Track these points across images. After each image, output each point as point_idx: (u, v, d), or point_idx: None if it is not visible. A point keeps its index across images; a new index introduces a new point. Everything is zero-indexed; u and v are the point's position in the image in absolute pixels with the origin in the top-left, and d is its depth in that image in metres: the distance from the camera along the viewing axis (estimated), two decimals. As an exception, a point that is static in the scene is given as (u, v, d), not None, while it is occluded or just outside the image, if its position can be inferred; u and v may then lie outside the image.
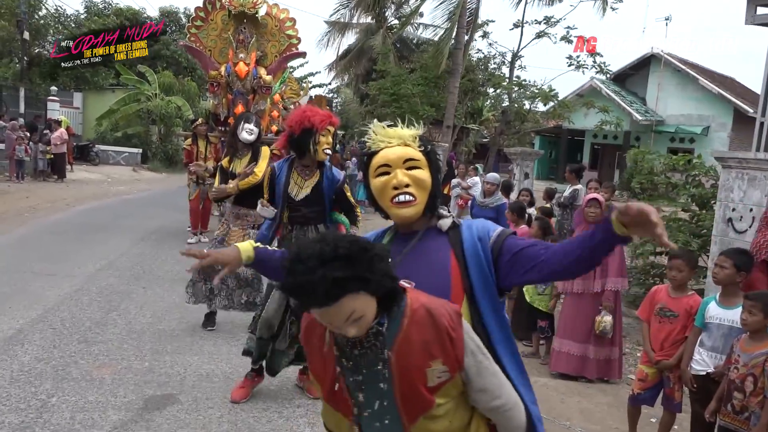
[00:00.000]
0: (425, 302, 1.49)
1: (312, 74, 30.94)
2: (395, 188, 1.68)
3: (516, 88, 17.31)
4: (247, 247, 1.92)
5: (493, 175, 7.39)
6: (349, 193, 4.21)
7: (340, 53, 26.37)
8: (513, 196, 8.32)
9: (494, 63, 21.04)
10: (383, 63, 19.64)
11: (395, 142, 1.74)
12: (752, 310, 3.23)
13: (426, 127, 18.71)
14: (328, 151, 3.91)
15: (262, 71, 9.16)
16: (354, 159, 15.45)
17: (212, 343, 4.95)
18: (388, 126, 1.81)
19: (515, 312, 5.90)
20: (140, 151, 23.55)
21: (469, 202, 9.11)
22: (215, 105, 9.25)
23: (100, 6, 28.49)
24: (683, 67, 24.42)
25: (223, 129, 9.05)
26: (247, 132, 5.11)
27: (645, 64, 25.83)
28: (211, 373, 4.35)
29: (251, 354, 3.98)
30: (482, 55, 19.44)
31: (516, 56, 17.30)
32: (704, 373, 3.55)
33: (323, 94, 23.77)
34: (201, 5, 9.35)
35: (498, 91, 20.93)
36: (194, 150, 9.34)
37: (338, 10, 22.43)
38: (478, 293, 1.64)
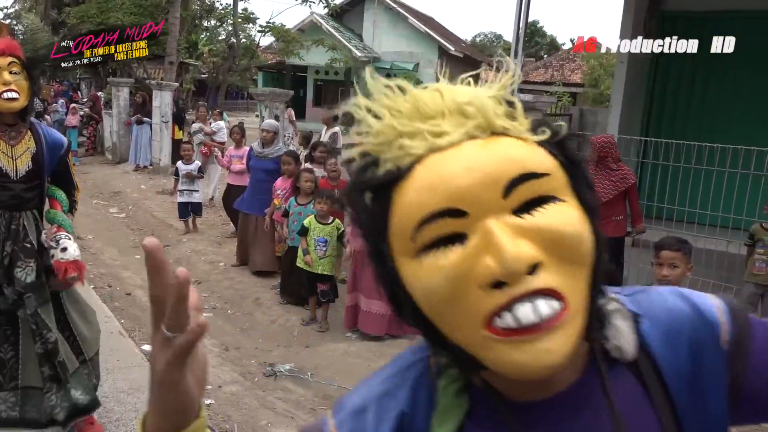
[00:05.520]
0: None
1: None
2: (496, 285, 0.53)
3: (243, 22, 16.19)
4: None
5: (270, 122, 6.62)
6: (73, 168, 3.05)
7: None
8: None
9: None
10: (83, -14, 16.60)
11: (458, 128, 0.57)
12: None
13: (142, 65, 16.55)
14: (11, 95, 2.62)
15: None
16: (61, 101, 12.80)
17: None
18: (417, 84, 0.64)
19: (285, 276, 5.53)
20: None
21: (223, 151, 8.16)
22: None
23: None
24: (394, 5, 25.70)
25: None
26: None
27: (360, 0, 26.53)
28: None
29: None
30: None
31: (239, -14, 16.13)
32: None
33: (2, 21, 19.39)
34: None
35: (216, 23, 19.39)
36: None
37: None
38: None
